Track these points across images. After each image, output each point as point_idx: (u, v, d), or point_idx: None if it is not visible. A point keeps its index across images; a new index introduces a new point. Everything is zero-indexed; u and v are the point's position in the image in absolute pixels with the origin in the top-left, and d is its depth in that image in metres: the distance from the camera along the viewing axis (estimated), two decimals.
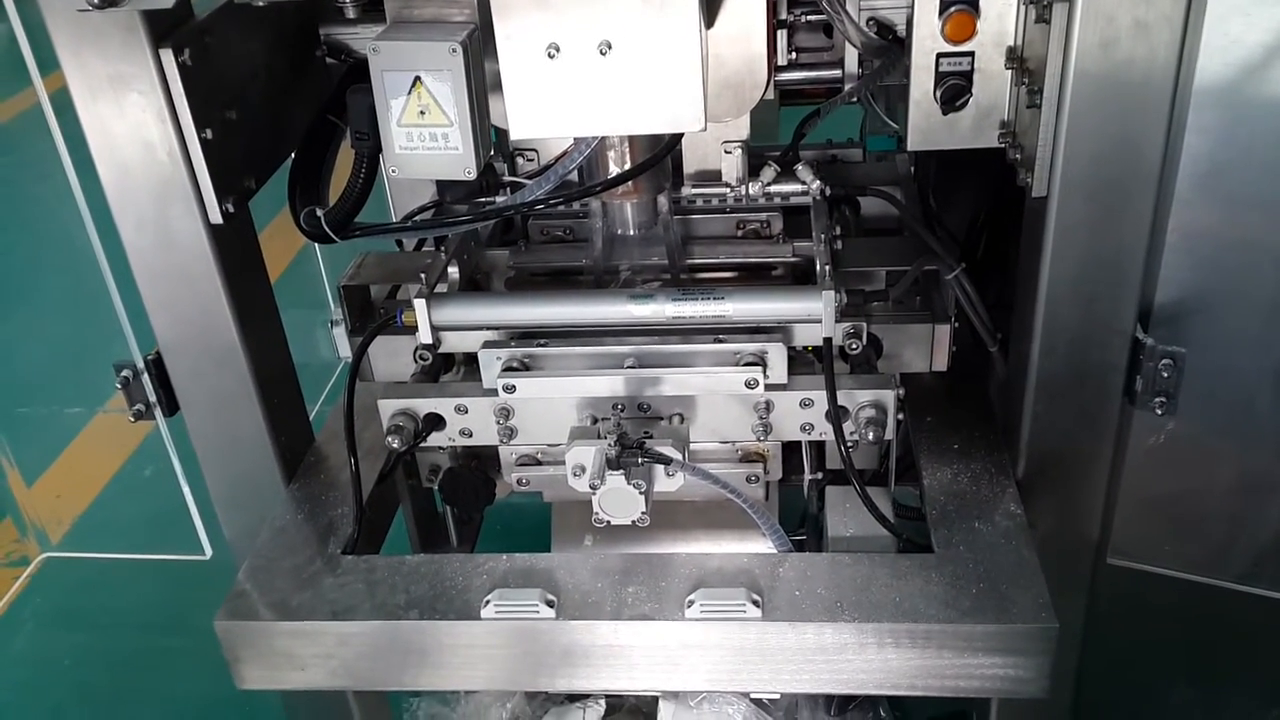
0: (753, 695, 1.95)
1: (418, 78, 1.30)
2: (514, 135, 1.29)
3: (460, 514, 2.06)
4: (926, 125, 1.42)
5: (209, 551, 2.39)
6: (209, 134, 1.38)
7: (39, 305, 3.89)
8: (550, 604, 1.39)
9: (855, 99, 1.60)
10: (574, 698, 2.07)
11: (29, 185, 4.47)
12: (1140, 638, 1.65)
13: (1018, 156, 1.39)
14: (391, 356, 1.70)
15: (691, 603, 1.37)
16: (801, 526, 1.83)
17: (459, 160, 1.34)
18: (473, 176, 1.35)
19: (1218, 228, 1.33)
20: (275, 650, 1.45)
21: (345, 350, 1.73)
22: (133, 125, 1.37)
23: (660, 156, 1.46)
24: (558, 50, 1.25)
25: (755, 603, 1.36)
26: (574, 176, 1.52)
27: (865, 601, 1.36)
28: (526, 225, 1.82)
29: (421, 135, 1.33)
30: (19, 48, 1.48)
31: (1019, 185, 1.38)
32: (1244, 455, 1.47)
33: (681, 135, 1.49)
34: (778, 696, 1.96)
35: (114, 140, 1.38)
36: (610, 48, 1.24)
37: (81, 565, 2.73)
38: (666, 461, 1.43)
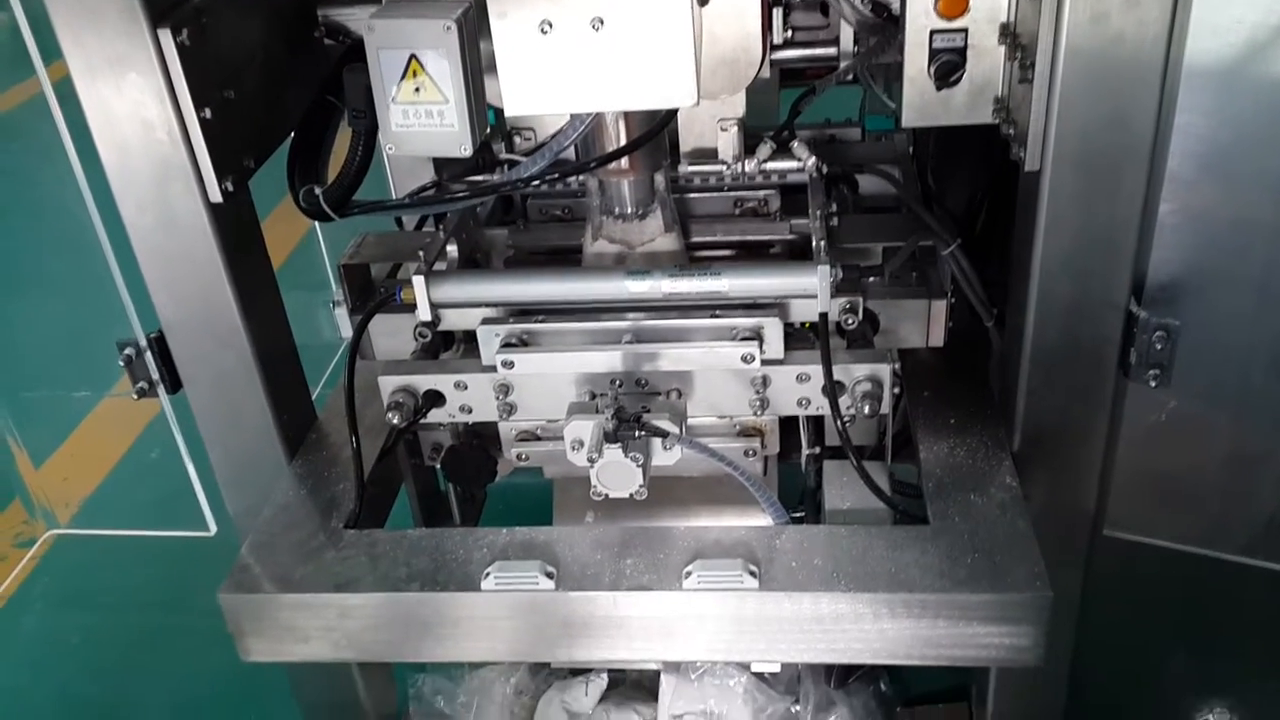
0: (754, 669, 1.97)
1: (413, 55, 1.31)
2: (508, 112, 1.30)
3: (463, 492, 2.08)
4: (921, 102, 1.43)
5: (214, 528, 2.43)
6: (208, 113, 1.39)
7: (46, 291, 3.91)
8: (550, 576, 1.41)
9: (851, 77, 1.61)
10: (576, 672, 2.09)
11: (35, 172, 4.50)
12: (1137, 609, 1.66)
13: (1011, 132, 1.39)
14: (392, 335, 1.71)
15: (689, 574, 1.39)
16: (800, 504, 1.84)
17: (455, 137, 1.35)
18: (468, 153, 1.36)
19: (1211, 202, 1.34)
20: (279, 623, 1.47)
21: (347, 330, 1.75)
22: (132, 105, 1.38)
23: (654, 133, 1.46)
24: (550, 26, 1.26)
25: (752, 573, 1.38)
26: (571, 155, 1.53)
27: (861, 572, 1.38)
28: (525, 205, 1.83)
29: (417, 112, 1.34)
30: (22, 37, 1.50)
31: (1014, 161, 1.39)
32: (1239, 428, 1.48)
33: (675, 111, 1.50)
34: (778, 669, 1.98)
35: (114, 120, 1.39)
36: (602, 24, 1.25)
37: (89, 546, 2.76)
38: (664, 435, 1.44)
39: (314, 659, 1.51)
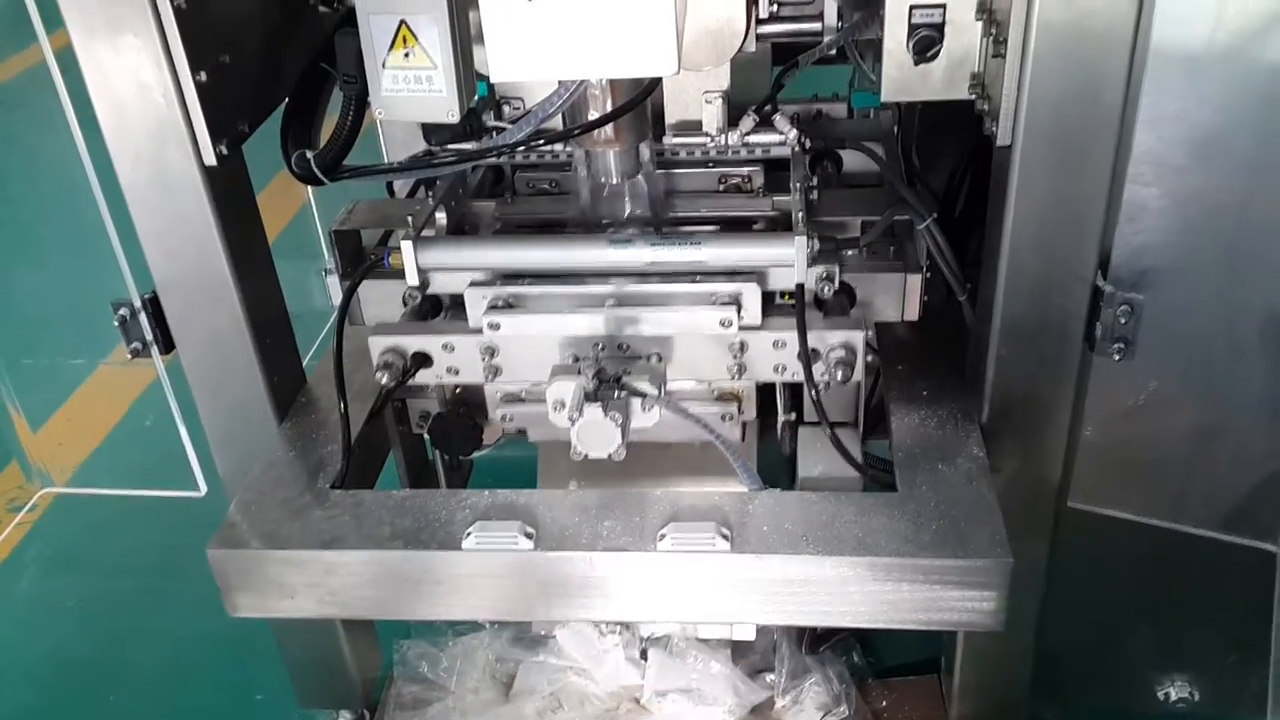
0: (733, 635, 2.01)
1: (403, 21, 1.34)
2: (493, 77, 1.32)
3: (450, 460, 2.12)
4: (900, 76, 1.46)
5: (204, 489, 2.46)
6: (203, 77, 1.42)
7: (44, 261, 3.95)
8: (529, 536, 1.44)
9: (834, 51, 1.64)
10: None
11: (35, 141, 4.52)
12: (1102, 580, 1.69)
13: (985, 107, 1.43)
14: (382, 301, 1.74)
15: (663, 536, 1.43)
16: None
17: (443, 103, 1.38)
18: (456, 119, 1.39)
19: (1178, 182, 1.36)
20: (266, 578, 1.51)
21: (339, 298, 1.77)
22: (129, 67, 1.41)
23: (636, 101, 1.49)
24: None
25: (724, 536, 1.41)
26: (559, 125, 1.55)
27: (830, 536, 1.41)
28: (514, 178, 1.86)
29: (407, 78, 1.37)
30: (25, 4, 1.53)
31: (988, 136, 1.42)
32: (1201, 404, 1.51)
33: (659, 81, 1.53)
34: (754, 637, 2.02)
35: (111, 81, 1.43)
36: None
37: (84, 510, 2.80)
38: (643, 395, 1.48)
39: (299, 615, 1.55)
